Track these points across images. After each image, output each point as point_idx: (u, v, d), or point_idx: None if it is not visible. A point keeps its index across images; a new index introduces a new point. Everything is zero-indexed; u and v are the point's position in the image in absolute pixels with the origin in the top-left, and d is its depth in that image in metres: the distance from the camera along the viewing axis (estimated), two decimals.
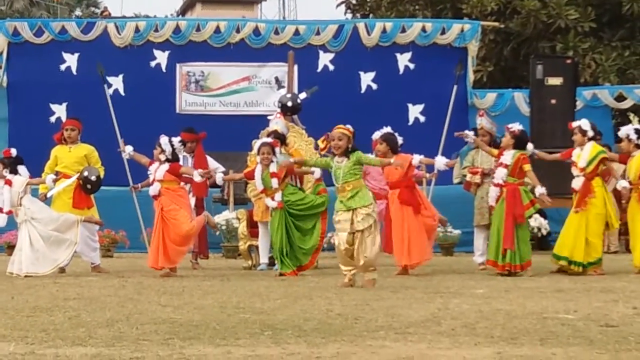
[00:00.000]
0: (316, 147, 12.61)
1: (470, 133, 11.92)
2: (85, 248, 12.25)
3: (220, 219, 14.82)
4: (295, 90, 15.00)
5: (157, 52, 17.82)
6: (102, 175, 12.31)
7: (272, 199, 11.30)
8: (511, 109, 17.77)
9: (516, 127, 11.39)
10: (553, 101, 15.08)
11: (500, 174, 11.19)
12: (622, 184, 11.56)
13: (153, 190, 11.34)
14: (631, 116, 13.97)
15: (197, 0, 45.63)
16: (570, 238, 11.31)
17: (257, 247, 12.56)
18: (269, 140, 11.58)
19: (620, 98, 18.34)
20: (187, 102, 17.93)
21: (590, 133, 11.49)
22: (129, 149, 11.98)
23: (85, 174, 12.00)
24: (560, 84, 15.19)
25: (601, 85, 19.07)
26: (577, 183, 11.36)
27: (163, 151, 11.40)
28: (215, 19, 19.29)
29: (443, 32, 17.97)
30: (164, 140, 11.46)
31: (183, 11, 47.94)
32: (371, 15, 23.42)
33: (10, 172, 11.60)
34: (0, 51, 17.63)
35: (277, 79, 17.83)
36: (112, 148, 14.88)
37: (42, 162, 12.59)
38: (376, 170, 12.80)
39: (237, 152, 14.20)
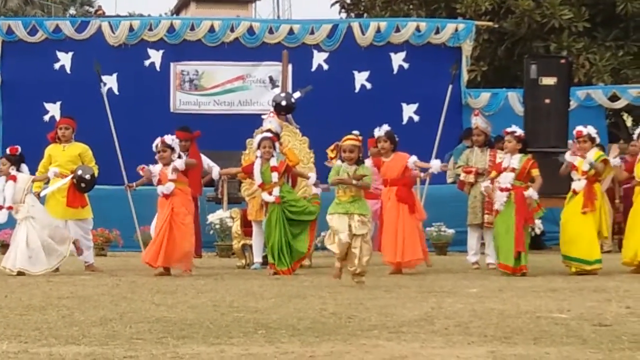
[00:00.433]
0: (311, 147, 12.61)
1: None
2: None
3: (214, 217, 14.82)
4: (290, 90, 15.01)
5: (151, 51, 17.80)
6: (96, 174, 12.30)
7: (270, 193, 11.30)
8: (505, 108, 17.79)
9: (519, 130, 11.41)
10: (547, 101, 15.07)
11: (508, 178, 11.14)
12: None
13: (167, 189, 11.27)
14: (625, 116, 14.00)
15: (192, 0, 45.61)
16: (586, 239, 11.28)
17: (250, 246, 12.57)
18: (270, 134, 11.62)
19: (614, 98, 18.37)
20: (181, 101, 17.91)
21: (598, 140, 11.59)
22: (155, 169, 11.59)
23: (80, 172, 11.99)
24: (554, 84, 15.18)
25: (595, 85, 19.09)
26: (579, 185, 11.34)
27: (173, 150, 11.35)
28: (209, 18, 19.28)
29: (437, 32, 17.98)
30: (169, 138, 11.41)
31: (177, 10, 47.93)
32: (365, 14, 23.42)
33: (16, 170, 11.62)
34: None
35: (271, 78, 17.82)
36: (106, 147, 14.91)
37: (36, 161, 12.56)
38: (371, 169, 12.81)
39: (231, 151, 14.18)
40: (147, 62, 17.79)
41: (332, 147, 9.92)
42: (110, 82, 17.57)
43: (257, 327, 6.46)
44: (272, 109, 13.15)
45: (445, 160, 16.32)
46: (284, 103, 13.19)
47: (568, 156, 11.53)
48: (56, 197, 12.06)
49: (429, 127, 16.14)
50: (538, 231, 15.46)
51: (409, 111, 17.89)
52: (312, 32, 17.94)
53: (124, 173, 14.63)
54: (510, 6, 20.07)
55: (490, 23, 19.35)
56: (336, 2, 23.99)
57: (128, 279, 10.70)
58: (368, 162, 11.24)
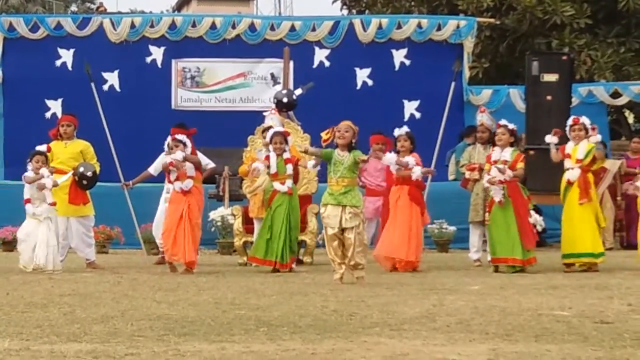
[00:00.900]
0: (312, 143, 12.60)
1: None
2: (81, 244, 12.25)
3: (215, 215, 14.83)
4: (291, 87, 15.00)
5: (152, 48, 17.80)
6: (97, 171, 12.30)
7: (283, 184, 11.31)
8: (507, 105, 17.76)
9: (510, 124, 11.44)
10: (549, 98, 15.04)
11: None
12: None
13: (186, 186, 11.26)
14: (626, 113, 14.00)
15: None
16: (588, 231, 11.27)
17: (252, 243, 12.55)
18: (282, 129, 11.63)
19: (615, 95, 18.35)
20: (182, 98, 17.91)
21: (590, 131, 11.56)
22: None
23: (81, 170, 12.00)
24: (556, 81, 15.16)
25: (597, 82, 19.07)
26: (573, 174, 11.30)
27: (185, 145, 11.34)
28: (211, 14, 19.29)
29: (439, 29, 17.98)
30: (181, 136, 11.40)
31: (179, 7, 47.92)
32: (367, 11, 23.38)
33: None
34: None
35: (272, 75, 17.81)
36: (107, 143, 14.91)
37: None
38: (373, 166, 12.82)
39: (232, 148, 14.19)
40: (148, 59, 17.79)
41: (327, 130, 9.88)
42: (112, 79, 17.59)
43: (258, 325, 6.46)
44: (273, 105, 13.15)
45: (446, 158, 16.37)
46: (285, 100, 13.20)
47: (549, 138, 11.47)
48: (58, 194, 12.05)
49: (431, 124, 16.14)
50: (540, 228, 15.52)
51: (410, 108, 17.88)
52: (314, 29, 17.94)
53: (119, 170, 14.62)
54: (512, 3, 20.03)
55: (492, 20, 19.33)
56: None
57: (129, 276, 10.71)
58: (391, 155, 10.92)
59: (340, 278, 9.67)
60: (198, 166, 11.55)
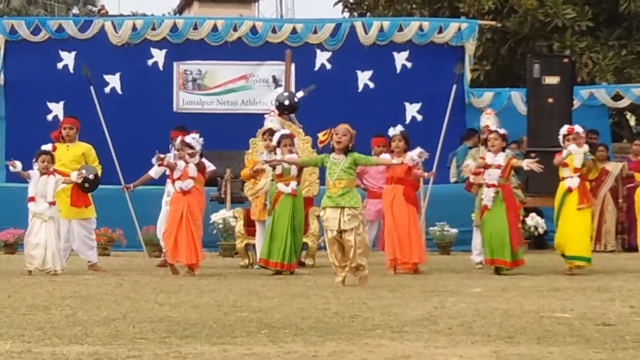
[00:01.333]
0: (314, 146, 12.62)
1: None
2: (83, 247, 12.25)
3: (217, 217, 14.83)
4: (293, 89, 15.00)
5: (154, 51, 17.82)
6: (99, 174, 12.30)
7: (287, 185, 11.32)
8: (508, 108, 17.78)
9: (501, 129, 11.53)
10: (550, 100, 15.08)
11: (494, 175, 11.24)
12: None
13: (186, 186, 11.26)
14: (628, 115, 14.01)
15: None
16: (584, 236, 11.40)
17: (254, 245, 12.56)
18: (288, 132, 11.66)
19: (617, 97, 18.36)
20: (184, 100, 17.93)
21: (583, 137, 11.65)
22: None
23: (83, 172, 11.99)
24: (557, 83, 15.19)
25: (598, 85, 19.09)
26: (574, 182, 11.36)
27: (193, 149, 11.33)
28: (212, 17, 19.30)
29: (440, 31, 18.00)
30: (190, 137, 11.39)
31: (180, 9, 47.88)
32: (368, 14, 23.42)
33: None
34: None
35: (274, 78, 17.83)
36: (109, 146, 14.91)
37: None
38: (375, 169, 12.80)
39: (234, 151, 14.20)
40: (150, 62, 17.82)
41: (325, 131, 9.90)
42: (113, 81, 17.61)
43: (260, 327, 6.46)
44: (272, 107, 13.15)
45: (448, 161, 16.39)
46: (287, 102, 13.21)
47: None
48: (60, 197, 12.04)
49: (432, 127, 16.14)
50: (541, 230, 15.55)
51: (412, 110, 17.90)
52: (315, 32, 17.96)
53: (120, 174, 14.62)
54: (514, 5, 20.06)
55: (493, 22, 19.35)
56: (339, 2, 23.99)
57: (131, 278, 10.70)
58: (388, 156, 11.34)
59: (342, 281, 9.66)
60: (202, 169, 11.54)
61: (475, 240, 12.54)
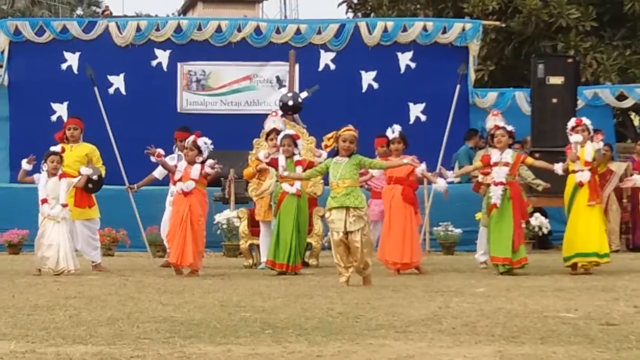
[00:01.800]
0: (318, 146, 12.61)
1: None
2: (86, 247, 12.27)
3: (221, 217, 14.83)
4: (297, 90, 15.01)
5: (158, 51, 17.83)
6: (103, 175, 12.31)
7: (291, 185, 11.32)
8: (512, 108, 17.77)
9: (508, 126, 11.49)
10: (554, 100, 15.07)
11: (502, 173, 11.18)
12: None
13: (187, 187, 11.24)
14: (632, 115, 13.99)
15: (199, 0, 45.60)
16: (595, 232, 11.25)
17: (258, 246, 12.57)
18: (292, 132, 11.64)
19: (621, 97, 18.35)
20: (188, 101, 17.94)
21: (592, 132, 11.56)
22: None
23: (90, 169, 12.00)
24: (562, 83, 15.18)
25: (602, 85, 19.07)
26: (584, 176, 11.26)
27: (200, 152, 11.33)
28: (216, 18, 19.32)
29: (444, 32, 17.99)
30: (201, 140, 11.38)
31: (184, 10, 47.92)
32: (372, 14, 23.41)
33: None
34: (1, 50, 17.67)
35: (278, 78, 17.83)
36: (113, 147, 14.89)
37: None
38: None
39: (238, 151, 14.19)
40: (154, 63, 17.83)
41: (330, 134, 9.89)
42: (118, 82, 17.62)
43: (264, 327, 6.46)
44: (275, 108, 13.15)
45: (452, 161, 16.36)
46: (291, 103, 13.21)
47: (574, 137, 11.40)
48: None
49: (436, 127, 16.12)
50: (545, 230, 15.54)
51: (416, 111, 17.90)
52: (319, 32, 17.95)
53: (124, 174, 14.61)
54: (518, 5, 20.06)
55: (497, 22, 19.34)
56: (343, 2, 23.98)
57: (135, 278, 10.71)
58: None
59: (346, 281, 9.66)
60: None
61: (481, 239, 12.52)
